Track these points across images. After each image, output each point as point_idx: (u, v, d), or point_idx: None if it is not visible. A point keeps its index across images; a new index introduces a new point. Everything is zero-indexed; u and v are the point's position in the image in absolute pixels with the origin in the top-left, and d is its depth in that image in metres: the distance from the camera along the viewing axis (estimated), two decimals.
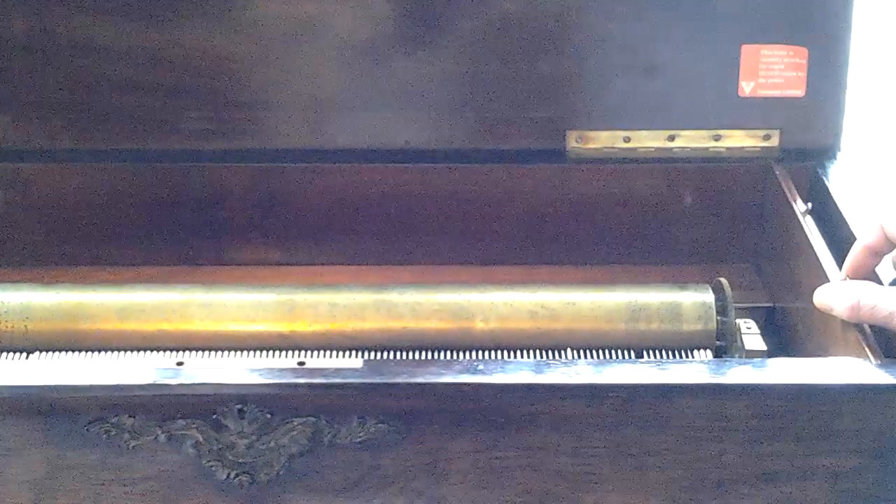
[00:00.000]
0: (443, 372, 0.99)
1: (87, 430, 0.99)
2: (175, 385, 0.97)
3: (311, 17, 1.29)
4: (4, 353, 1.19)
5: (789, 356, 1.18)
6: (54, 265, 1.34)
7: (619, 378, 0.98)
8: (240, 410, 0.98)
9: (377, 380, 0.98)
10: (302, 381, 0.98)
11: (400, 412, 0.99)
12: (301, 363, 1.00)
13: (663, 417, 0.98)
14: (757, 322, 1.21)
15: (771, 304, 1.27)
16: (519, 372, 0.99)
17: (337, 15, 1.29)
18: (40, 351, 1.19)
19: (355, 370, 0.99)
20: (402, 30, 1.30)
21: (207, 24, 1.29)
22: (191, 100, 1.31)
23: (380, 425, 0.99)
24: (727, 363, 1.01)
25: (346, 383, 0.98)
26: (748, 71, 1.29)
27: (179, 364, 1.00)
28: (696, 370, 0.99)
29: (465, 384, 0.97)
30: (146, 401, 0.99)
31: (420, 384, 0.97)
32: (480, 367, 0.99)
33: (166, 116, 1.32)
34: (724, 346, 1.18)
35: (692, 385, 0.97)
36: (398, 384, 0.98)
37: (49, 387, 0.98)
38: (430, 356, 1.18)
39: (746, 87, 1.30)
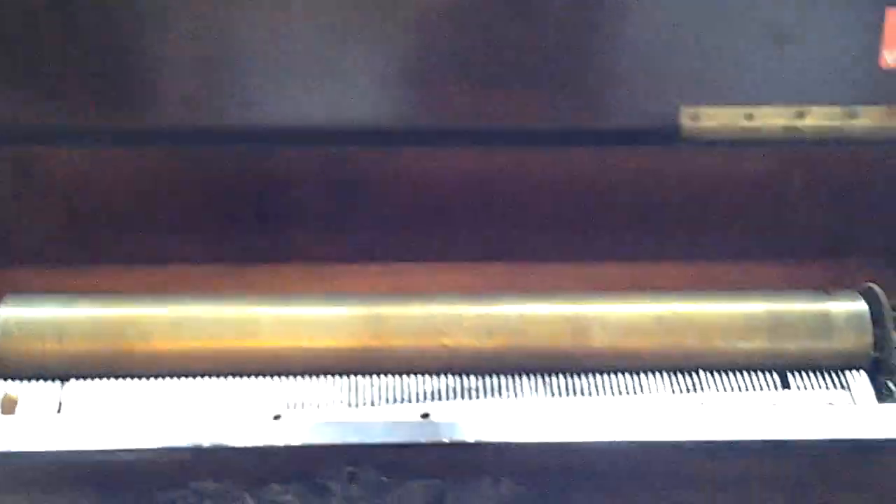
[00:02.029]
0: (594, 430, 0.82)
1: (158, 499, 0.82)
2: (273, 447, 0.80)
3: None
4: (35, 380, 1.00)
5: None
6: (82, 265, 1.14)
7: (808, 432, 0.83)
8: (350, 474, 0.81)
9: (518, 439, 0.81)
10: (430, 439, 0.81)
11: (540, 471, 0.83)
12: (425, 415, 0.83)
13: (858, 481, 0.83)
14: None
15: None
16: (672, 428, 0.83)
17: None
18: (76, 377, 1.01)
19: (490, 428, 0.82)
20: None
21: None
22: (243, 74, 1.12)
23: (517, 486, 0.83)
24: None
25: (482, 442, 0.81)
26: (893, 38, 1.12)
27: (277, 418, 0.83)
28: None
29: (627, 443, 0.81)
30: (234, 463, 0.81)
31: (569, 445, 0.81)
32: (638, 424, 0.83)
33: (211, 91, 1.12)
34: (881, 364, 1.03)
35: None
36: (544, 445, 0.81)
37: (106, 451, 0.81)
38: (540, 378, 1.01)
39: (889, 58, 1.13)
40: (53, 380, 1.01)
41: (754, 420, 0.88)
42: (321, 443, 0.80)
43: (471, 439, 0.80)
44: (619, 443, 0.83)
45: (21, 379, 1.01)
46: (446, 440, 0.80)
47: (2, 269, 1.13)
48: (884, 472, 0.87)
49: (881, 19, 1.12)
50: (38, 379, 1.01)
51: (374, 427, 0.81)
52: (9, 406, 0.96)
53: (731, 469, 0.87)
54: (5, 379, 1.01)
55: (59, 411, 0.99)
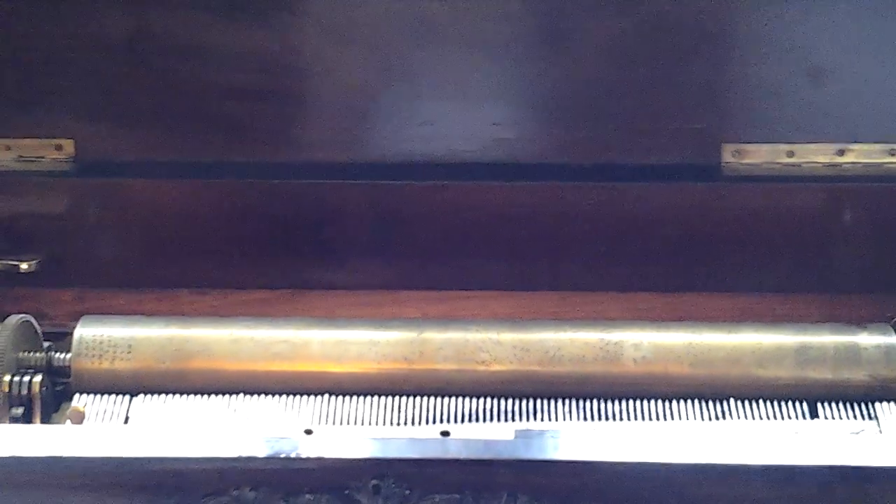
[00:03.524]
0: (606, 449, 0.87)
1: None
2: (304, 459, 0.87)
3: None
4: (107, 395, 1.09)
5: None
6: (151, 289, 1.23)
7: (817, 457, 0.85)
8: (375, 486, 0.87)
9: (531, 456, 0.86)
10: (447, 455, 0.87)
11: (556, 490, 0.87)
12: (445, 433, 0.89)
13: None
14: None
15: None
16: (694, 451, 0.87)
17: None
18: (145, 393, 1.09)
19: (506, 443, 0.87)
20: (531, 29, 1.17)
21: (319, 25, 1.17)
22: (303, 108, 1.20)
23: (534, 503, 0.88)
24: None
25: (496, 459, 0.86)
26: None
27: (308, 432, 0.89)
28: None
29: (634, 464, 0.85)
30: (270, 474, 0.88)
31: (582, 463, 0.86)
32: (652, 445, 0.87)
33: (277, 126, 1.20)
34: None
35: None
36: (556, 462, 0.86)
37: (157, 458, 0.88)
38: (574, 403, 1.06)
39: None
40: (123, 394, 1.10)
41: (777, 445, 0.90)
42: (347, 456, 0.86)
43: (486, 456, 0.86)
44: (633, 463, 0.87)
45: (94, 393, 1.09)
46: (462, 457, 0.86)
47: (85, 291, 1.23)
48: None
49: None
50: (109, 393, 1.10)
51: (396, 443, 0.87)
52: (76, 418, 1.04)
53: (752, 494, 0.89)
54: (81, 393, 1.10)
55: (126, 423, 1.08)
